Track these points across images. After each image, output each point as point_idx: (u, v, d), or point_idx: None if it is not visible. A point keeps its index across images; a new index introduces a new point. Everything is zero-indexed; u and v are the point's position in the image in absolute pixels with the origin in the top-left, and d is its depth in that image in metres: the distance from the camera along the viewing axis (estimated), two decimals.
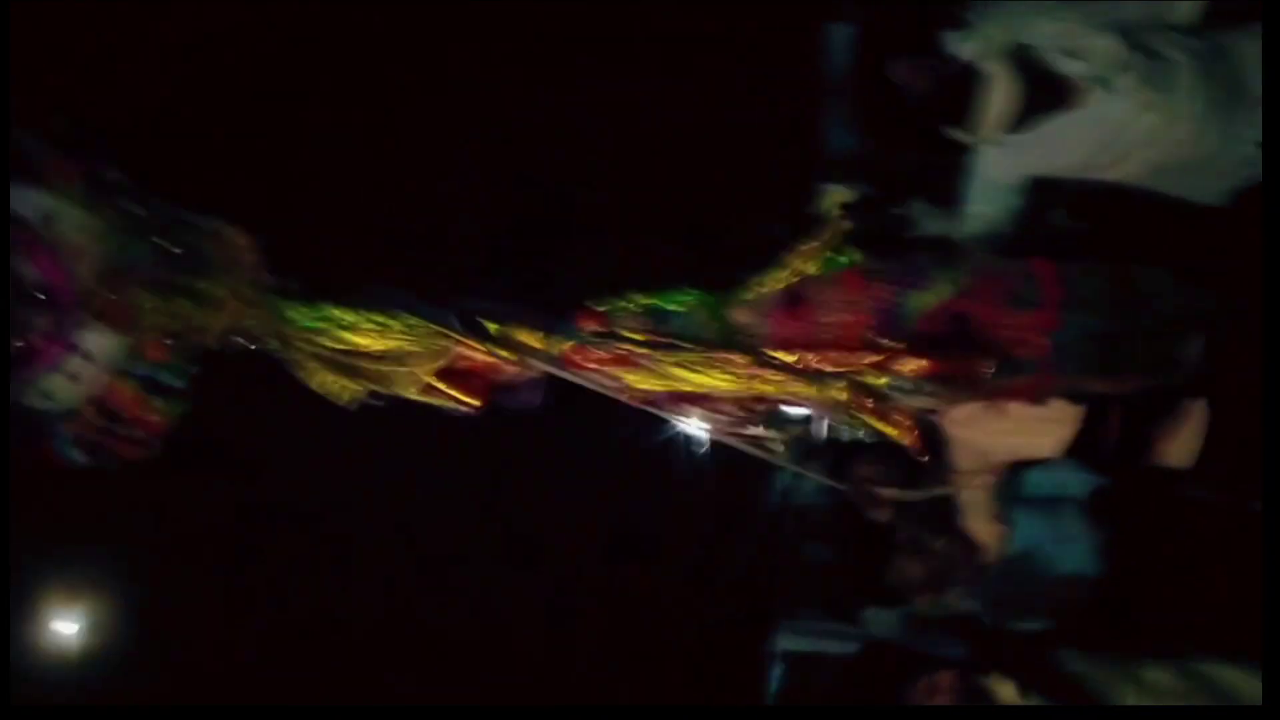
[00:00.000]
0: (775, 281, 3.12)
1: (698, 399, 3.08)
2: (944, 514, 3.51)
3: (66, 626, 3.25)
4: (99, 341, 2.99)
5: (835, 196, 3.82)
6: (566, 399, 3.12)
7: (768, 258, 3.14)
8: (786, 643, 4.31)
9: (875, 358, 2.99)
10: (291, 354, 3.01)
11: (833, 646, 4.06)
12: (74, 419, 3.03)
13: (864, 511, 3.60)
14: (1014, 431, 3.27)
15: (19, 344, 2.92)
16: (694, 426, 3.21)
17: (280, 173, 3.04)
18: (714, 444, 3.30)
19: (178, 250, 2.93)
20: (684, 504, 3.41)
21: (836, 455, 3.78)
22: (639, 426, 3.18)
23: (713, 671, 3.50)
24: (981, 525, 3.49)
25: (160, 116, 3.03)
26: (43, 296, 2.89)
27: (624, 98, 3.35)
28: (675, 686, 3.36)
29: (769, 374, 3.01)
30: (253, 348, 3.04)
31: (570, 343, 3.09)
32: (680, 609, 3.36)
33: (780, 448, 3.35)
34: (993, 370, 2.94)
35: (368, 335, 3.01)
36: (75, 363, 3.00)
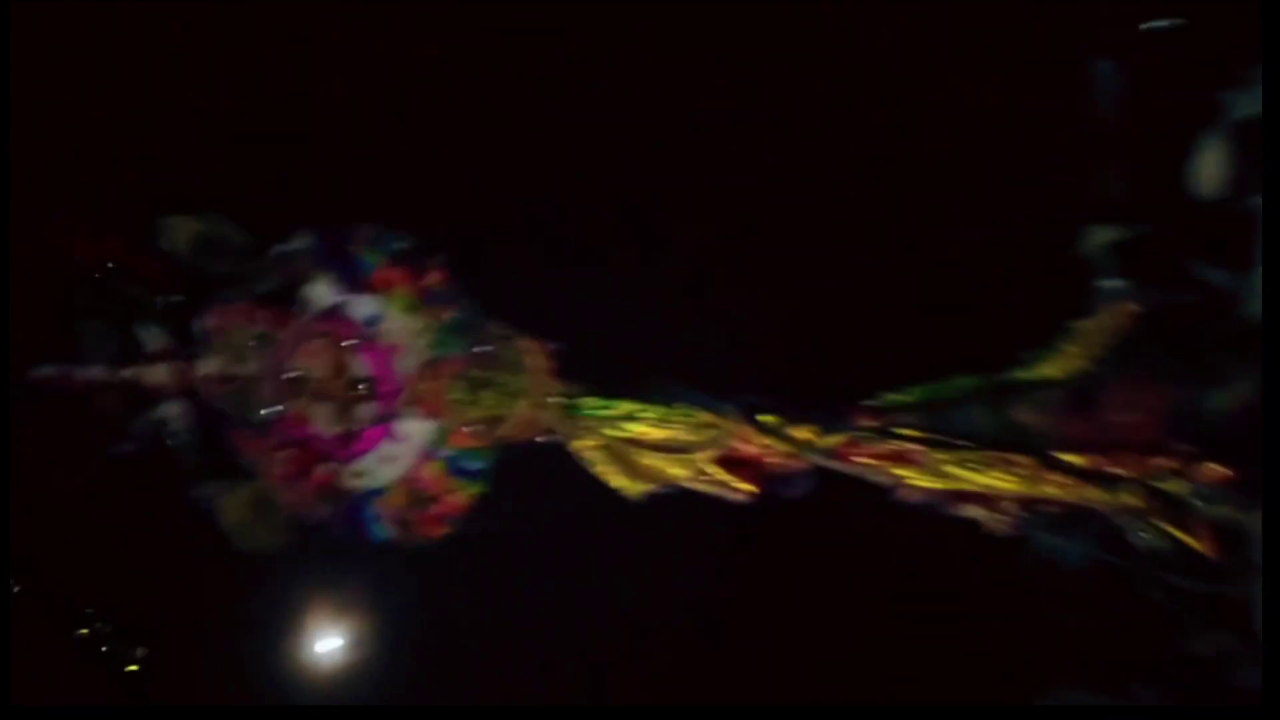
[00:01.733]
0: (1057, 369, 3.07)
1: (978, 498, 3.05)
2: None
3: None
4: (413, 427, 3.34)
5: (1102, 236, 3.61)
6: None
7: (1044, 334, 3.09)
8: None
9: (1171, 462, 2.87)
10: (581, 445, 3.23)
11: None
12: (385, 497, 3.38)
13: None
14: None
15: (346, 431, 3.31)
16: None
17: (571, 276, 3.30)
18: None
19: (484, 349, 3.25)
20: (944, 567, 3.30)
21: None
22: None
23: None
24: None
25: (473, 225, 3.37)
26: (369, 388, 3.28)
27: (890, 169, 3.34)
28: None
29: (1056, 476, 2.95)
30: (544, 440, 3.28)
31: (843, 437, 3.14)
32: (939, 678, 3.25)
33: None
34: None
35: (649, 425, 3.19)
36: (390, 446, 3.36)
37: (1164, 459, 2.88)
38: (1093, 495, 2.93)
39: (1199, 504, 2.85)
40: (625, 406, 3.20)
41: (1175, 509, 2.86)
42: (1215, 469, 2.81)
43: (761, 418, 3.17)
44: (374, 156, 3.34)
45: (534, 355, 3.25)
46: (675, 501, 3.22)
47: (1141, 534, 2.94)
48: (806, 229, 3.28)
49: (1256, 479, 2.78)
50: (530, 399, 3.22)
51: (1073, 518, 3.04)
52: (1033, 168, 3.21)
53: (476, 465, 3.34)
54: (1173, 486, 2.86)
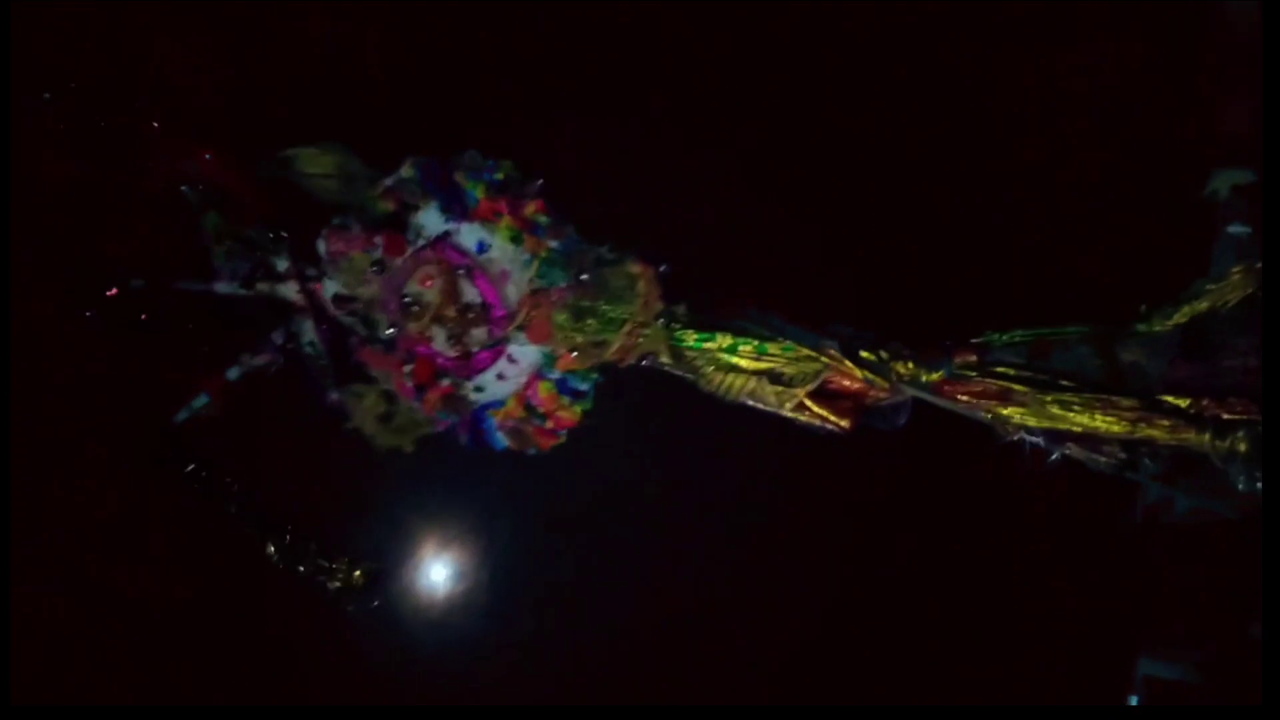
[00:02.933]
0: (1176, 317, 2.97)
1: (1081, 438, 3.03)
2: None
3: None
4: (523, 350, 3.51)
5: (1229, 179, 3.45)
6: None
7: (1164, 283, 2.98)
8: (1149, 669, 4.13)
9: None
10: (682, 368, 3.34)
11: (1196, 676, 3.85)
12: (501, 410, 3.59)
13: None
14: None
15: (463, 351, 3.50)
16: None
17: (677, 206, 3.32)
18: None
19: (587, 277, 3.34)
20: (1045, 517, 3.36)
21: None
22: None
23: (1072, 694, 3.48)
24: None
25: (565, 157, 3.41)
26: (482, 313, 3.43)
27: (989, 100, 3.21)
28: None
29: (1159, 419, 2.90)
30: (648, 363, 3.40)
31: (941, 374, 3.14)
32: (1041, 626, 3.35)
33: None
34: None
35: (747, 358, 3.25)
36: (504, 365, 3.54)
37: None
38: (1195, 438, 2.87)
39: None
40: (726, 339, 3.26)
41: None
42: None
43: (864, 353, 3.19)
44: (475, 86, 3.39)
45: (641, 280, 3.32)
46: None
47: (1241, 477, 2.90)
48: (920, 165, 3.20)
49: None
50: (634, 325, 3.32)
51: (1180, 464, 3.01)
52: (1153, 108, 3.01)
53: (583, 386, 3.52)
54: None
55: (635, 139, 3.40)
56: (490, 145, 3.38)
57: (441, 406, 3.58)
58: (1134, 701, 4.00)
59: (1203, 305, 2.95)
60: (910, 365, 3.16)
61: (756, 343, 3.24)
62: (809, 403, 3.22)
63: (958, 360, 3.12)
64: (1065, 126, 3.18)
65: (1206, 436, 2.86)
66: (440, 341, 3.51)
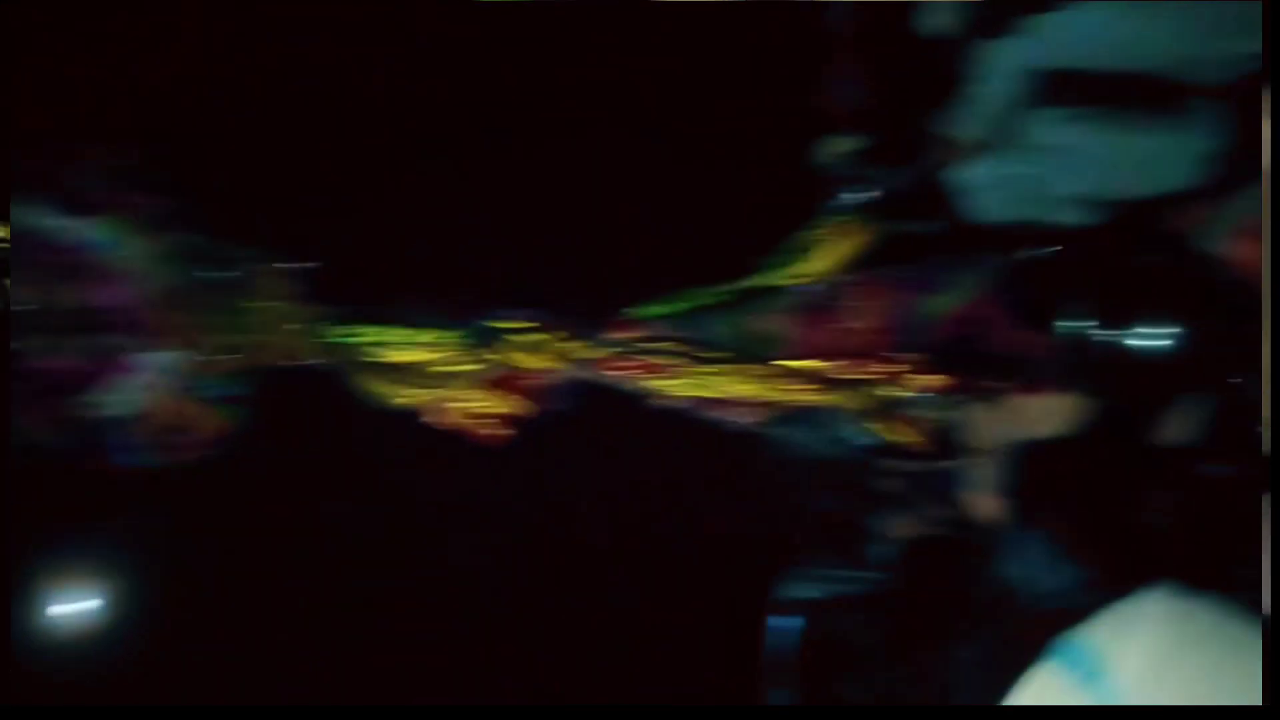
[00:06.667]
0: (793, 278, 3.24)
1: (724, 403, 3.25)
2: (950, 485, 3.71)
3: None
4: (160, 358, 3.16)
5: (837, 146, 3.79)
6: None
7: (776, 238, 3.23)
8: (795, 590, 4.62)
9: (893, 369, 3.14)
10: (343, 368, 3.18)
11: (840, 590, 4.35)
12: (136, 425, 3.23)
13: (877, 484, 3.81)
14: (1018, 416, 3.45)
15: (82, 363, 3.09)
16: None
17: (312, 198, 3.12)
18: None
19: (228, 276, 3.07)
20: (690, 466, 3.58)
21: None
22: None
23: (723, 623, 3.78)
24: (984, 498, 3.72)
25: (206, 148, 3.09)
26: (101, 319, 3.04)
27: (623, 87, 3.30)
28: (684, 639, 3.63)
29: (791, 383, 3.17)
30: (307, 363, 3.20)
31: (603, 349, 3.24)
32: (688, 563, 3.59)
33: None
34: (1005, 385, 3.10)
35: (405, 351, 3.16)
36: (136, 377, 3.18)
37: (887, 365, 3.14)
38: (823, 399, 3.18)
39: (914, 406, 3.17)
40: (378, 333, 3.14)
41: (895, 410, 3.16)
42: (929, 377, 3.10)
43: (522, 337, 3.20)
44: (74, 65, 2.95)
45: (272, 279, 3.10)
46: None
47: (863, 429, 3.27)
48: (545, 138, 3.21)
49: (963, 384, 3.12)
50: (274, 325, 3.10)
51: (807, 417, 3.32)
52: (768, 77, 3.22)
53: (227, 391, 3.25)
54: (892, 391, 3.15)
55: (259, 124, 3.12)
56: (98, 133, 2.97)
57: (54, 425, 3.17)
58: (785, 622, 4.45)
59: (812, 259, 3.23)
60: (572, 343, 3.22)
61: (412, 334, 3.15)
62: (475, 396, 3.20)
63: (611, 335, 3.22)
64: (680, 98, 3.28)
65: (832, 397, 3.15)
66: (50, 350, 3.09)
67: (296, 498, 3.28)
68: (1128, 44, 2.83)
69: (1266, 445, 2.78)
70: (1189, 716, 2.80)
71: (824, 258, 3.21)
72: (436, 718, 3.31)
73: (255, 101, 3.05)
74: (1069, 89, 2.96)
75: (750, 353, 3.20)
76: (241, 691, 3.35)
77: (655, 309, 3.26)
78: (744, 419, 3.32)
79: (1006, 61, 2.95)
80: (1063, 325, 3.12)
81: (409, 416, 3.17)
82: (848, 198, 3.30)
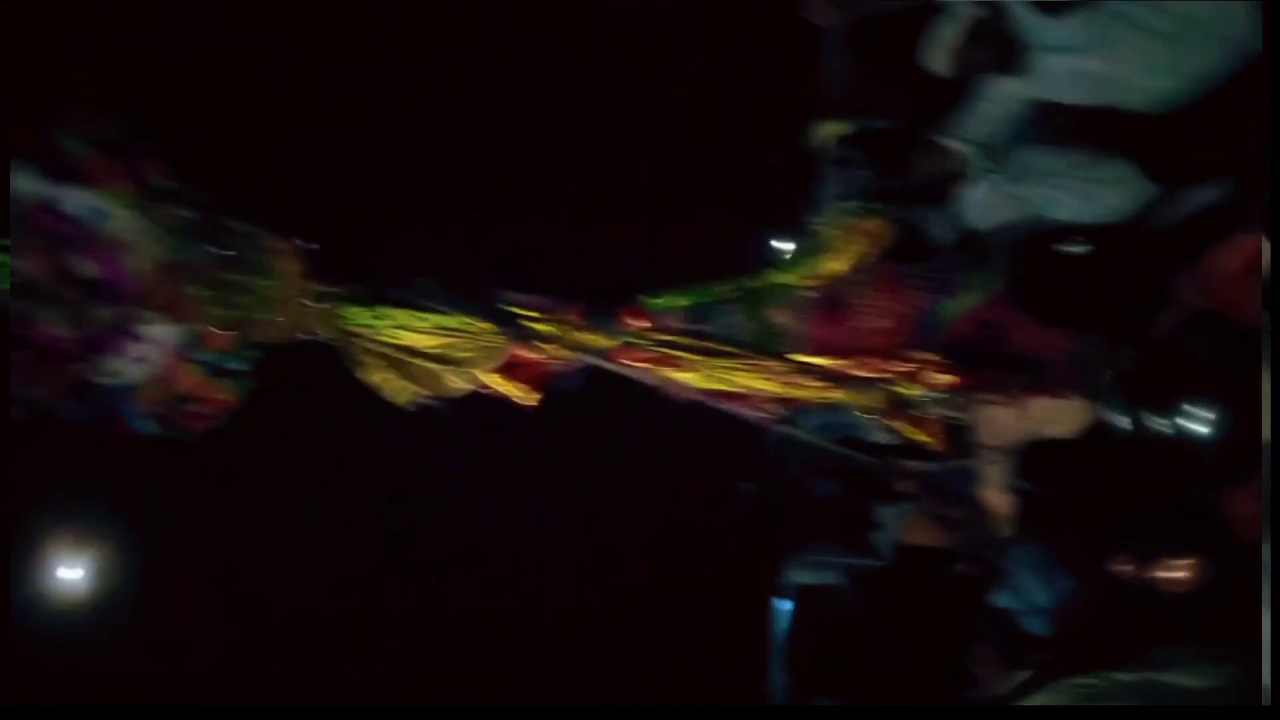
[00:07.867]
0: (811, 274, 3.20)
1: (739, 398, 3.22)
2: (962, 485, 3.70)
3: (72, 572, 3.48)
4: (162, 330, 3.10)
5: (831, 129, 3.71)
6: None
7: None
8: (797, 577, 4.64)
9: (907, 368, 3.11)
10: (351, 349, 3.13)
11: (842, 578, 4.36)
12: (142, 395, 3.19)
13: (889, 481, 3.80)
14: (1032, 416, 3.43)
15: (84, 334, 3.03)
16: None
17: (327, 175, 3.05)
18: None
19: (229, 251, 3.00)
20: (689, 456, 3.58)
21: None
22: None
23: (726, 607, 3.81)
24: (995, 496, 3.71)
25: (203, 122, 3.01)
26: (102, 290, 2.98)
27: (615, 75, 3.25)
28: (688, 624, 3.66)
29: (806, 380, 3.14)
30: (315, 340, 3.15)
31: (616, 340, 3.20)
32: (691, 549, 3.61)
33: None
34: (1020, 386, 3.07)
35: (422, 334, 3.11)
36: (140, 348, 3.12)
37: (902, 364, 3.12)
38: (839, 396, 3.15)
39: (929, 405, 3.15)
40: (396, 315, 3.09)
41: (910, 409, 3.14)
42: (945, 377, 3.07)
43: (538, 324, 3.15)
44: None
45: (283, 256, 3.04)
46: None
47: (877, 427, 3.25)
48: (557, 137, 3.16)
49: (978, 384, 3.10)
50: (284, 302, 3.04)
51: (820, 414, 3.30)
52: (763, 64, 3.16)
53: (238, 365, 3.20)
54: (907, 390, 3.12)
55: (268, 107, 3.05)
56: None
57: (66, 393, 3.13)
58: (786, 607, 4.50)
59: (826, 255, 3.18)
60: (584, 332, 3.18)
61: (430, 319, 3.10)
62: (490, 379, 3.16)
63: (628, 326, 3.18)
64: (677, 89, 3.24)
65: (848, 395, 3.13)
66: (56, 323, 3.03)
67: (299, 471, 3.26)
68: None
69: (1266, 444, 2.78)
70: (1189, 717, 2.80)
71: (842, 255, 3.17)
72: (436, 716, 3.33)
73: (265, 77, 2.98)
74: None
75: (766, 348, 3.17)
76: (235, 664, 3.37)
77: (672, 300, 3.22)
78: (757, 413, 3.30)
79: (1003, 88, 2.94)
80: (1077, 328, 3.09)
81: (412, 400, 3.13)
82: (867, 195, 3.26)
